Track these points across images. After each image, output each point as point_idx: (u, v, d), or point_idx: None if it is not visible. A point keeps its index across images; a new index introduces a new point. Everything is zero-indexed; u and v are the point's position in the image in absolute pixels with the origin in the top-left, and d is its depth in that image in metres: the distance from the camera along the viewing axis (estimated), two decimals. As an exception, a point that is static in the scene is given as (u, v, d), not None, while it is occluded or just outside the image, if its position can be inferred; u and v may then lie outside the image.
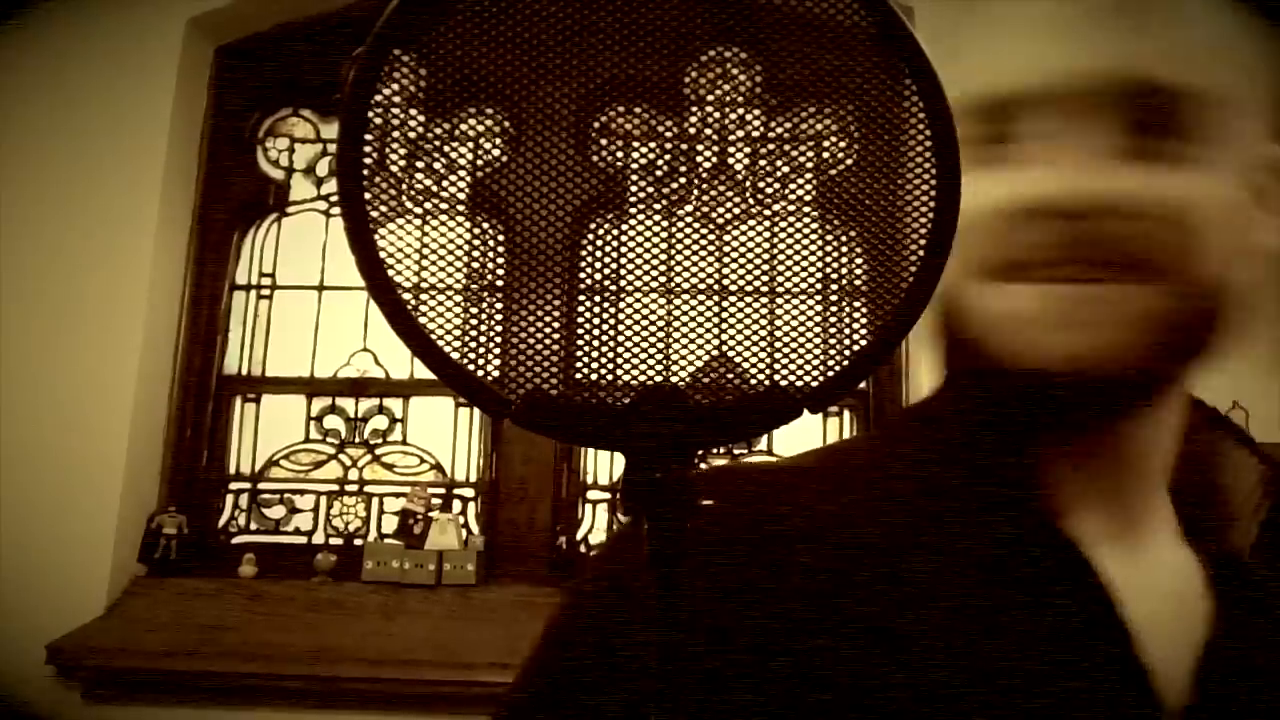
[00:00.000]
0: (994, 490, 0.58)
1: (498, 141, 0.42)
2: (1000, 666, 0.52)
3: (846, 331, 0.40)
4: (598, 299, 0.41)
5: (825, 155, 0.45)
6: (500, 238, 0.42)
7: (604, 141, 0.43)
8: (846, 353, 0.40)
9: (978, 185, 0.42)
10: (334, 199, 2.40)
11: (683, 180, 0.43)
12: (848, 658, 0.52)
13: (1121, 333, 0.52)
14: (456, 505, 2.32)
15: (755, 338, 0.41)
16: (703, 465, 0.45)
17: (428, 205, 0.42)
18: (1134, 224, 0.52)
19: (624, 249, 0.41)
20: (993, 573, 0.55)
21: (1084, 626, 0.53)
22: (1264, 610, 0.56)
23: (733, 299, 0.41)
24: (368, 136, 0.38)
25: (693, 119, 0.45)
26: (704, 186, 0.44)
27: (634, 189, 0.43)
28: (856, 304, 0.41)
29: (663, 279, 0.41)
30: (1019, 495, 0.57)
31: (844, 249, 0.43)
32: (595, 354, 0.40)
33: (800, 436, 2.27)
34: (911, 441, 0.65)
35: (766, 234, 0.43)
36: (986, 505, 0.57)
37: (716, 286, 0.41)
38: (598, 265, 0.41)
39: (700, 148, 0.45)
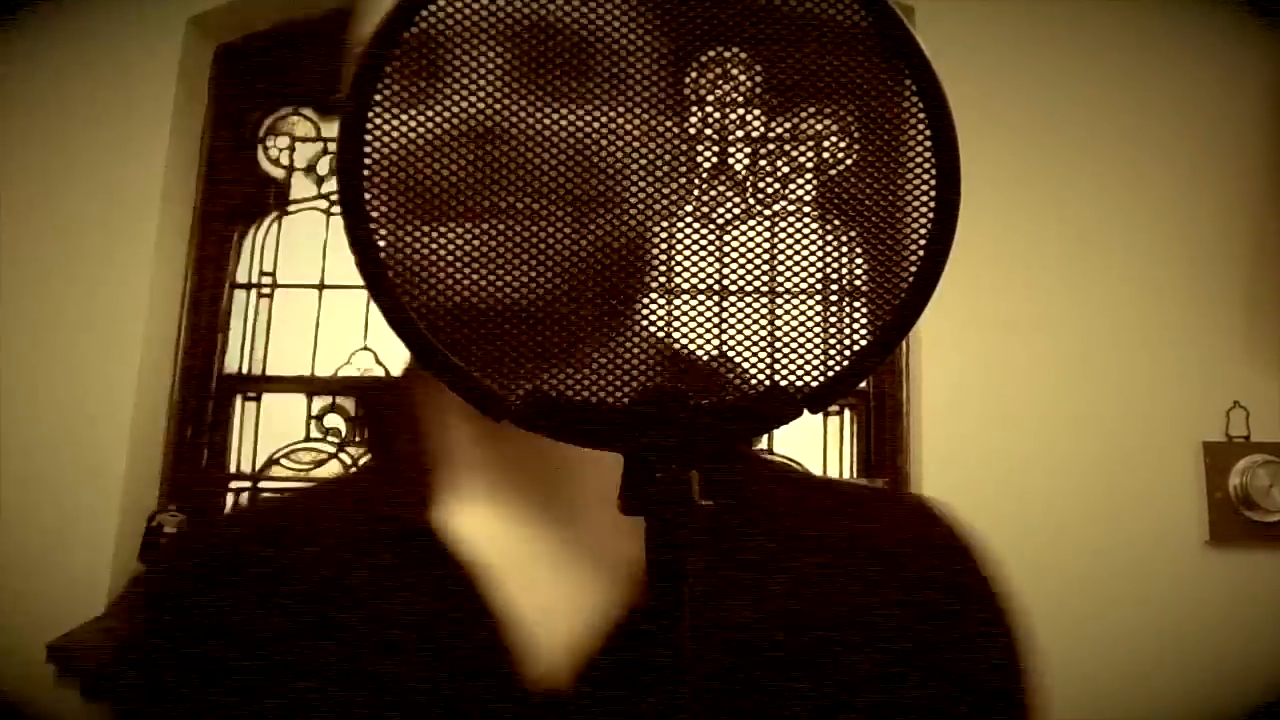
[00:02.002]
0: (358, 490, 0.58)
1: (498, 141, 0.42)
2: (409, 685, 0.50)
3: (846, 331, 0.40)
4: (597, 298, 0.41)
5: (825, 155, 0.45)
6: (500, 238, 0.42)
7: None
8: (846, 353, 0.40)
9: None
10: (334, 198, 2.40)
11: (682, 180, 0.43)
12: (335, 700, 0.50)
13: None
14: (457, 504, 2.32)
15: (755, 337, 0.41)
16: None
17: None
18: None
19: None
20: (367, 570, 0.53)
21: (468, 647, 0.51)
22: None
23: (733, 299, 0.41)
24: (368, 136, 0.38)
25: (693, 119, 0.45)
26: (704, 186, 0.44)
27: (633, 188, 0.43)
28: (856, 304, 0.41)
29: (663, 279, 0.41)
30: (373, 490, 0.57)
31: (844, 249, 0.43)
32: (595, 354, 0.40)
33: (800, 436, 2.27)
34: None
35: (766, 234, 0.43)
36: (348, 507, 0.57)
37: (717, 286, 0.41)
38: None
39: (700, 148, 0.45)
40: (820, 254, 0.42)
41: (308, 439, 2.39)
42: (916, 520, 0.60)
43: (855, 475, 2.23)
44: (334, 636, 0.52)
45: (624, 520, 0.54)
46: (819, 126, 0.45)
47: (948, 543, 0.59)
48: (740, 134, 0.45)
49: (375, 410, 0.62)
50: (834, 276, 0.42)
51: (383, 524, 0.55)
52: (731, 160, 0.45)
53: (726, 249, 0.42)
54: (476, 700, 0.50)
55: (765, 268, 0.42)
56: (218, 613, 0.54)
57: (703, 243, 0.42)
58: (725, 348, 0.41)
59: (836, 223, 0.43)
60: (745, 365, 0.40)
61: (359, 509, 0.57)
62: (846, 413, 2.31)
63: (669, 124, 0.43)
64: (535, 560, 0.54)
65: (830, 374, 0.40)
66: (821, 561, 0.55)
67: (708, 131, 0.45)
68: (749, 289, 0.41)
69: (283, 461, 2.38)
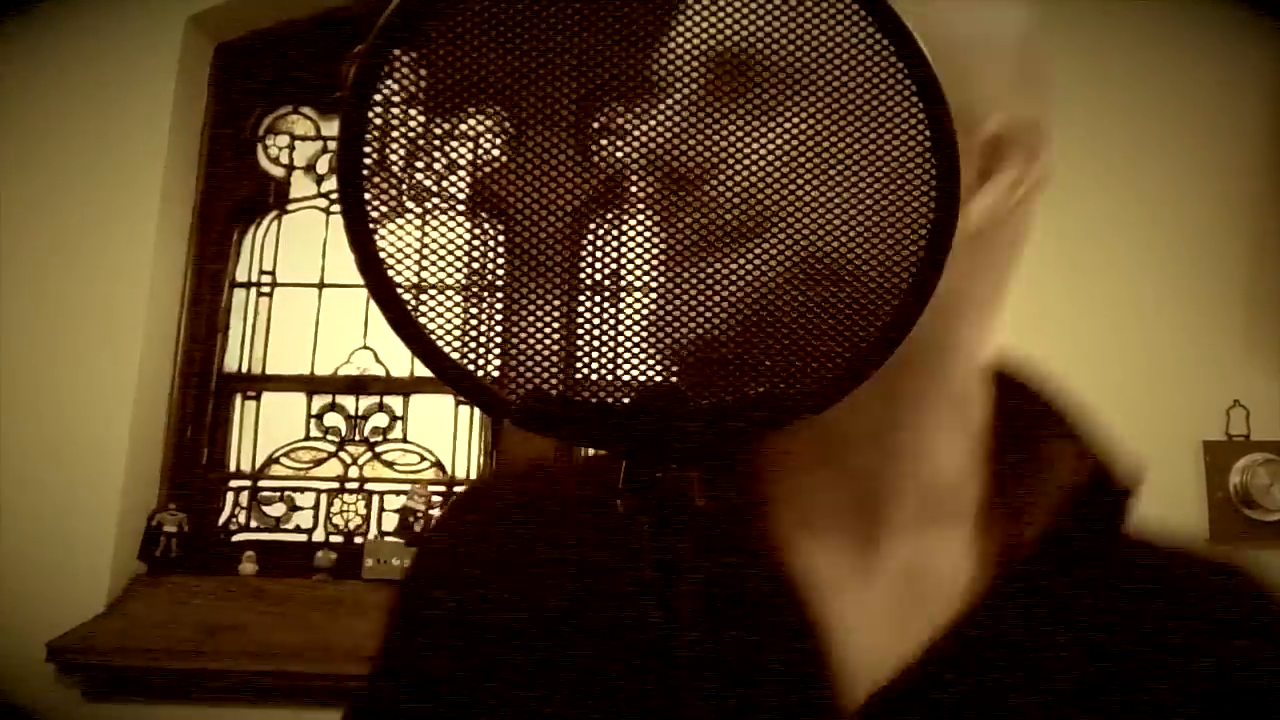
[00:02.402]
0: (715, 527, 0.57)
1: (497, 141, 0.42)
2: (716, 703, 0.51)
3: (846, 332, 0.40)
4: (598, 298, 0.41)
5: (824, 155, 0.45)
6: (500, 237, 0.42)
7: (604, 140, 0.43)
8: (847, 353, 0.40)
9: None
10: (334, 197, 2.40)
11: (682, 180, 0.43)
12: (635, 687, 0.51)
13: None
14: (457, 503, 2.32)
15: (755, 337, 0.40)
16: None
17: (428, 204, 0.42)
18: None
19: (624, 248, 0.41)
20: (714, 612, 0.53)
21: (788, 668, 0.52)
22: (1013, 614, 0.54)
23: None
24: (368, 136, 0.38)
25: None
26: (704, 186, 0.43)
27: (634, 188, 0.43)
28: (856, 304, 0.41)
29: (663, 278, 0.41)
30: (738, 530, 0.56)
31: (843, 248, 0.42)
32: (595, 354, 0.40)
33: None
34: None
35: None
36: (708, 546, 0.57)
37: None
38: (598, 264, 0.41)
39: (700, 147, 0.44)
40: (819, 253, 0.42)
41: (307, 438, 2.39)
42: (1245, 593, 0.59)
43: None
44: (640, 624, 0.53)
45: (941, 544, 0.56)
46: (817, 126, 0.45)
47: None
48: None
49: None
50: (834, 276, 0.42)
51: (721, 526, 0.55)
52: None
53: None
54: (791, 715, 0.51)
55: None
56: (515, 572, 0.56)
57: (703, 242, 0.42)
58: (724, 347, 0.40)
59: (836, 222, 0.43)
60: (745, 365, 0.40)
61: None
62: (846, 412, 2.31)
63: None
64: (852, 582, 0.55)
65: (830, 374, 0.40)
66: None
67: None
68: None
69: (283, 461, 2.38)
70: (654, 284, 0.40)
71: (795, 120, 0.40)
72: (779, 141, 0.40)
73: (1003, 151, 0.57)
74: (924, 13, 0.55)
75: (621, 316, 0.40)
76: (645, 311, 0.40)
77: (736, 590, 0.54)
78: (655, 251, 0.41)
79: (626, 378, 0.39)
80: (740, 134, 0.40)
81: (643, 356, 0.40)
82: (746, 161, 0.40)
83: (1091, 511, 0.57)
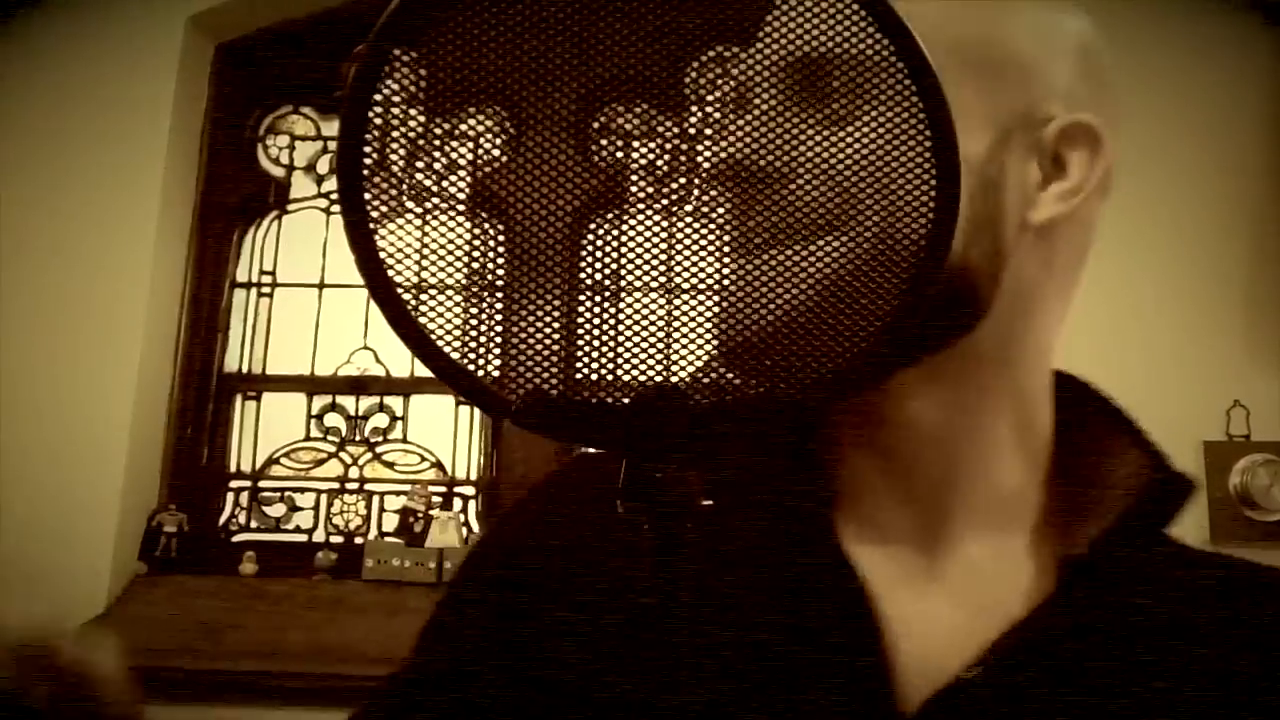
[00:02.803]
0: (787, 520, 0.57)
1: (498, 141, 0.42)
2: (764, 695, 0.52)
3: (846, 331, 0.40)
4: (598, 298, 0.41)
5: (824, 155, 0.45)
6: (501, 237, 0.42)
7: (604, 140, 0.43)
8: (846, 352, 0.40)
9: None
10: (334, 197, 2.40)
11: (683, 180, 0.43)
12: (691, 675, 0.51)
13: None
14: (457, 503, 2.32)
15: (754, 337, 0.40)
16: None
17: (428, 204, 0.42)
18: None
19: (624, 248, 0.41)
20: (782, 603, 0.54)
21: (850, 665, 0.52)
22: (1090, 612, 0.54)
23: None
24: (368, 136, 0.38)
25: (693, 118, 0.45)
26: (704, 186, 0.44)
27: (634, 188, 0.43)
28: (856, 304, 0.41)
29: (663, 278, 0.41)
30: (809, 525, 0.56)
31: (843, 248, 0.42)
32: (595, 354, 0.40)
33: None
34: None
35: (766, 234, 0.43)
36: (781, 537, 0.56)
37: (717, 286, 0.41)
38: (598, 264, 0.41)
39: (700, 147, 0.44)
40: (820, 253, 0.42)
41: (308, 438, 2.39)
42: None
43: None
44: (710, 609, 0.53)
45: (1004, 548, 0.57)
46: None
47: None
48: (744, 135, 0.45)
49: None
50: (834, 276, 0.42)
51: (790, 520, 0.56)
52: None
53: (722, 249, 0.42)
54: (849, 714, 0.51)
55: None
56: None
57: (703, 242, 0.42)
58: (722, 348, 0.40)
59: (835, 222, 0.43)
60: (745, 365, 0.40)
61: (770, 495, 0.57)
62: (846, 412, 2.31)
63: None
64: (914, 584, 0.56)
65: (830, 374, 0.40)
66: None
67: (708, 130, 0.45)
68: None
69: (283, 461, 2.38)
70: (721, 278, 0.41)
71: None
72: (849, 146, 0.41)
73: (1067, 151, 0.58)
74: (990, 16, 0.55)
75: (622, 317, 0.40)
76: (645, 312, 0.40)
77: (802, 587, 0.54)
78: (655, 252, 0.41)
79: (626, 378, 0.39)
80: (815, 138, 0.41)
81: (642, 357, 0.40)
82: (821, 164, 0.41)
83: (1154, 514, 0.57)
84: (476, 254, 0.42)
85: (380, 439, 2.39)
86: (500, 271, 0.42)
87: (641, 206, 0.42)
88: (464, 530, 2.25)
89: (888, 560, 0.56)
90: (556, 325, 0.41)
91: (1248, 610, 0.57)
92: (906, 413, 0.56)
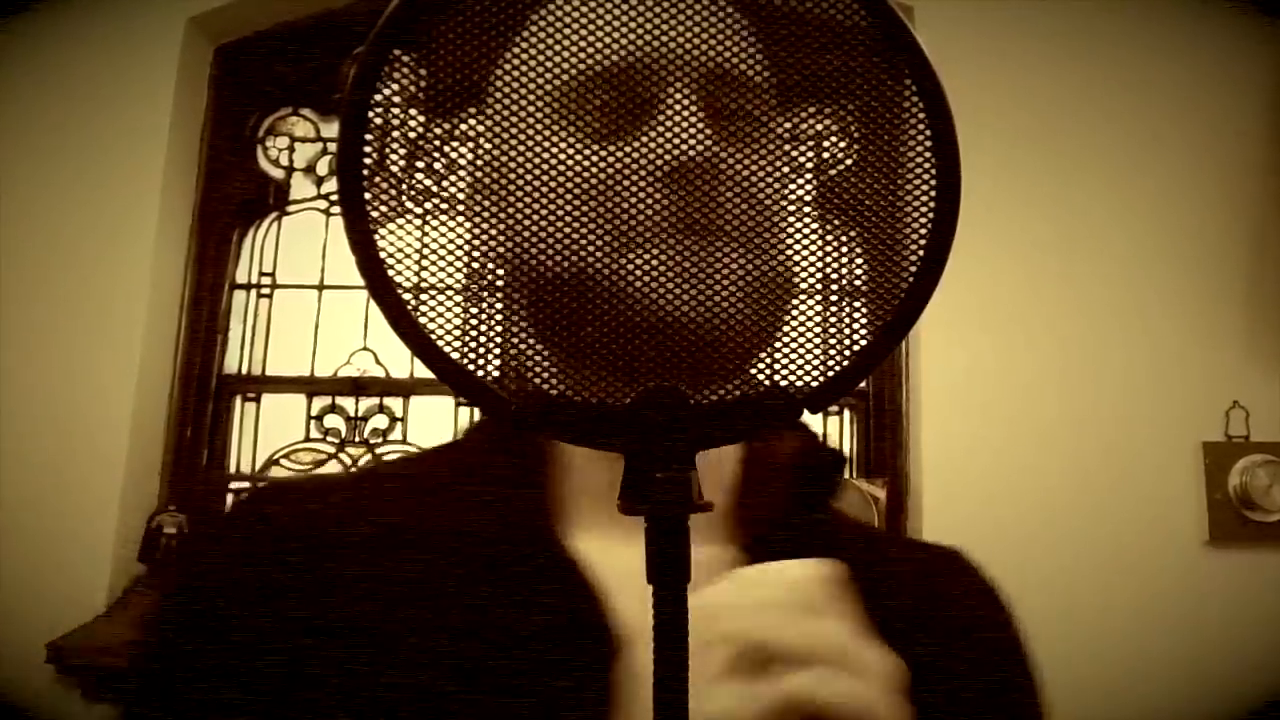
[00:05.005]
0: (481, 489, 0.57)
1: (498, 141, 0.42)
2: (486, 666, 0.51)
3: (846, 331, 0.40)
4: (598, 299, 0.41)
5: (825, 155, 0.45)
6: (500, 237, 0.42)
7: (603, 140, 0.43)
8: (846, 353, 0.40)
9: None
10: (334, 198, 2.40)
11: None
12: (335, 658, 0.51)
13: None
14: (457, 504, 2.32)
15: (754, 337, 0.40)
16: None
17: (428, 205, 0.42)
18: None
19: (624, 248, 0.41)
20: (480, 571, 0.54)
21: (571, 625, 0.52)
22: None
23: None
24: (368, 136, 0.38)
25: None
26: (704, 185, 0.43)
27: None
28: (856, 304, 0.41)
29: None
30: (506, 493, 0.56)
31: (844, 249, 0.43)
32: (595, 354, 0.40)
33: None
34: (442, 454, 0.66)
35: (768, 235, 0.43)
36: (474, 504, 0.56)
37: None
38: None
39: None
40: (820, 254, 0.42)
41: (307, 439, 2.39)
42: (959, 571, 0.65)
43: (855, 475, 2.23)
44: (436, 625, 0.52)
45: (730, 548, 0.57)
46: (819, 126, 0.45)
47: (983, 591, 0.64)
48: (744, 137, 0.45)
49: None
50: (834, 276, 0.42)
51: (512, 529, 0.56)
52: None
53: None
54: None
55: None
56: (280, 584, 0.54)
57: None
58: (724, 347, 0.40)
59: (836, 222, 0.43)
60: (745, 365, 0.40)
61: (485, 506, 0.57)
62: (846, 413, 2.31)
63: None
64: (640, 581, 0.55)
65: (830, 374, 0.40)
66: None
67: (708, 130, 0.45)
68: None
69: (283, 462, 2.38)
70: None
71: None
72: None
73: None
74: None
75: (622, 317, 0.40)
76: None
77: (508, 550, 0.54)
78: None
79: (627, 378, 0.39)
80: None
81: (643, 357, 0.40)
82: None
83: (815, 480, 0.60)
84: (476, 254, 0.42)
85: (380, 440, 2.38)
86: (500, 272, 0.42)
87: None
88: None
89: (624, 563, 0.55)
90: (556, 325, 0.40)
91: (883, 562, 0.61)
92: None
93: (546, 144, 0.41)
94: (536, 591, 0.53)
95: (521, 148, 0.41)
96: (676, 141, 0.42)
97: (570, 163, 0.40)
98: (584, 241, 0.39)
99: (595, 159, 0.40)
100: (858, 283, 0.42)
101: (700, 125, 0.43)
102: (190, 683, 0.53)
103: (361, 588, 0.53)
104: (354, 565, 0.54)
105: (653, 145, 0.41)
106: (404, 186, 0.41)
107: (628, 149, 0.41)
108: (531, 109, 0.41)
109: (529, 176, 0.40)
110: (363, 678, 0.50)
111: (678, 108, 0.43)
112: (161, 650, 0.56)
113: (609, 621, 0.52)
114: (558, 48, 0.40)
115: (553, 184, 0.40)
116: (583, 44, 0.40)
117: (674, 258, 0.40)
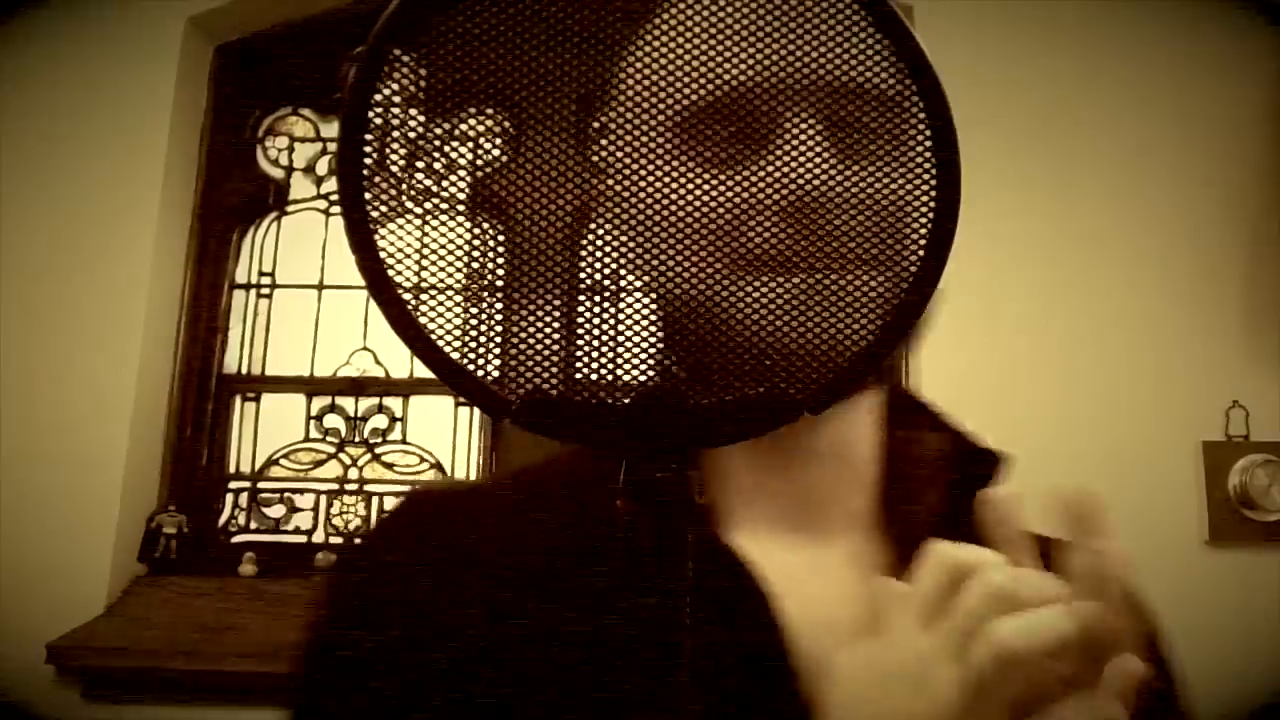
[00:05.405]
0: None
1: (498, 141, 0.42)
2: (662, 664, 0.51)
3: (847, 332, 0.40)
4: (598, 299, 0.41)
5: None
6: (500, 238, 0.42)
7: (604, 141, 0.43)
8: (847, 353, 0.40)
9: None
10: (334, 198, 2.40)
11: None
12: (513, 667, 0.51)
13: None
14: (456, 504, 2.31)
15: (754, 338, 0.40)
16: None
17: (428, 205, 0.42)
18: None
19: (624, 249, 0.41)
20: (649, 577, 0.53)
21: (747, 629, 0.52)
22: None
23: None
24: (368, 136, 0.38)
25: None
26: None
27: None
28: (857, 304, 0.41)
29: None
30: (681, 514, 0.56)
31: (844, 249, 0.42)
32: (595, 354, 0.40)
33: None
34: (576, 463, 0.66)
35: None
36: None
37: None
38: (598, 265, 0.41)
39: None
40: (819, 254, 0.42)
41: (307, 439, 2.39)
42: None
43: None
44: (608, 629, 0.52)
45: (873, 542, 0.58)
46: (819, 127, 0.45)
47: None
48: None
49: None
50: (834, 276, 0.42)
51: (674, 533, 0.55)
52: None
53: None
54: (759, 705, 0.50)
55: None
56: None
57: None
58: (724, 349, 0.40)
59: (836, 223, 0.43)
60: (745, 366, 0.40)
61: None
62: (846, 413, 2.31)
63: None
64: (802, 579, 0.55)
65: (830, 375, 0.40)
66: None
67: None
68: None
69: (282, 462, 2.38)
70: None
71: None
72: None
73: None
74: None
75: (621, 317, 0.40)
76: (645, 313, 0.40)
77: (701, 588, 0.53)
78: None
79: (626, 378, 0.39)
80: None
81: (643, 357, 0.40)
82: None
83: (976, 478, 0.59)
84: (476, 254, 0.42)
85: (380, 440, 2.39)
86: (500, 272, 0.42)
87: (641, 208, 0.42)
88: (464, 531, 2.24)
89: (782, 561, 0.56)
90: (556, 326, 0.41)
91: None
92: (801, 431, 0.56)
93: (669, 173, 0.41)
94: (707, 594, 0.53)
95: (648, 176, 0.41)
96: (799, 170, 0.42)
97: (694, 194, 0.40)
98: (706, 272, 0.40)
99: (720, 191, 0.41)
100: (858, 283, 0.42)
101: (821, 149, 0.43)
102: (359, 681, 0.55)
103: (531, 595, 0.53)
104: (524, 575, 0.53)
105: (776, 174, 0.42)
106: (404, 187, 0.41)
107: (751, 177, 0.41)
108: (652, 137, 0.41)
109: (657, 208, 0.40)
110: (542, 681, 0.50)
111: (798, 133, 0.43)
112: (333, 654, 0.58)
113: (778, 621, 0.52)
114: (679, 75, 0.40)
115: (676, 215, 0.40)
116: (703, 69, 0.40)
117: (795, 287, 0.40)
